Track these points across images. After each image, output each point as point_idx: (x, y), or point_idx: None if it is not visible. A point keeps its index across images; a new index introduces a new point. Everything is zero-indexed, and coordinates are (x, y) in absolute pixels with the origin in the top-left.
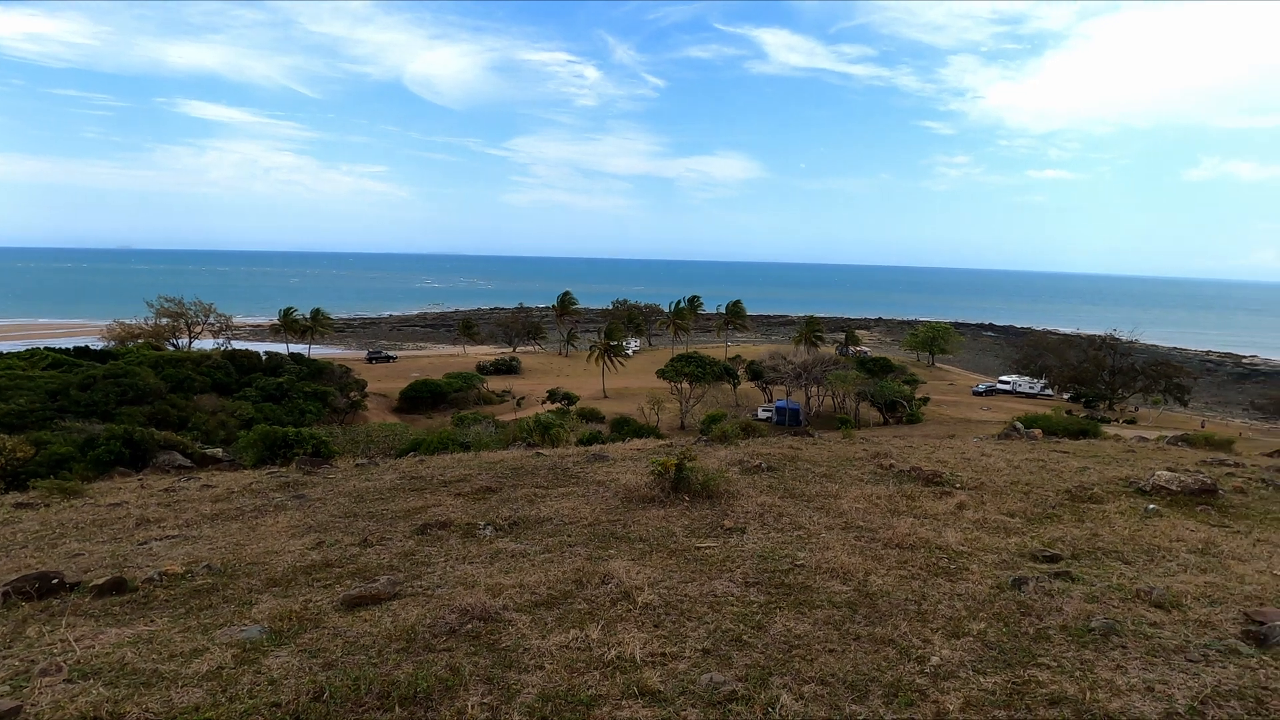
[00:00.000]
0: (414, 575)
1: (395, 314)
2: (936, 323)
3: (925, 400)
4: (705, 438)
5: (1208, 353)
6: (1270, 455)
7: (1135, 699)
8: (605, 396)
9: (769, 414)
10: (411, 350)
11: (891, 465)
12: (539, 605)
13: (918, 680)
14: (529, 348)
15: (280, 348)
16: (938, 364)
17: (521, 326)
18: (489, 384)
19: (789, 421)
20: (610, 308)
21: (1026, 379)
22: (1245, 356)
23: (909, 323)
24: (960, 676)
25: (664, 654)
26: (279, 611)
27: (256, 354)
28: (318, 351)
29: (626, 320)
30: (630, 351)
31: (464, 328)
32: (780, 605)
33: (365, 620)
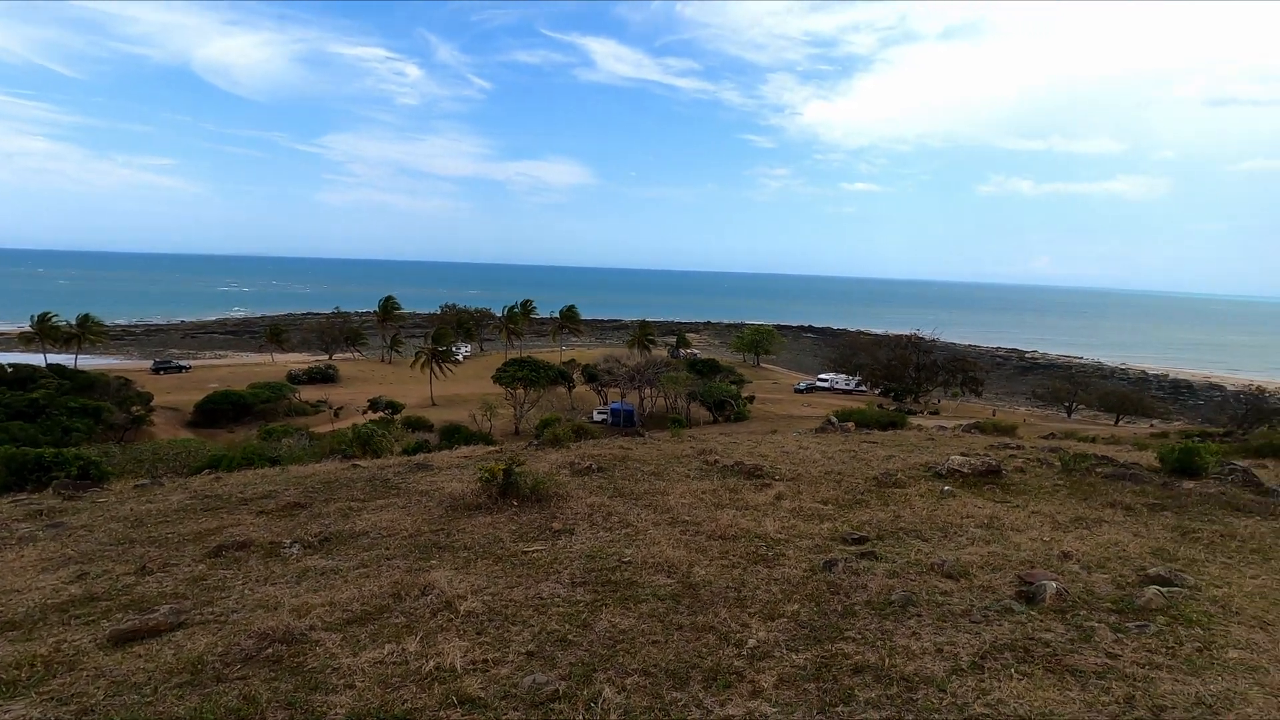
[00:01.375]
0: (205, 602)
1: (189, 320)
2: (761, 325)
3: (751, 399)
4: (536, 442)
5: (997, 349)
6: (1046, 438)
7: (927, 660)
8: (434, 404)
9: (604, 416)
10: (209, 359)
11: (716, 461)
12: (351, 622)
13: (735, 662)
14: (348, 355)
15: (35, 358)
16: (763, 364)
17: (339, 332)
18: (302, 394)
19: (624, 423)
20: (439, 312)
21: (843, 376)
22: (1028, 352)
23: (736, 326)
24: (775, 655)
25: (486, 660)
26: (16, 659)
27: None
28: (88, 362)
29: (456, 325)
30: (461, 357)
31: (272, 334)
32: (606, 602)
33: (139, 656)
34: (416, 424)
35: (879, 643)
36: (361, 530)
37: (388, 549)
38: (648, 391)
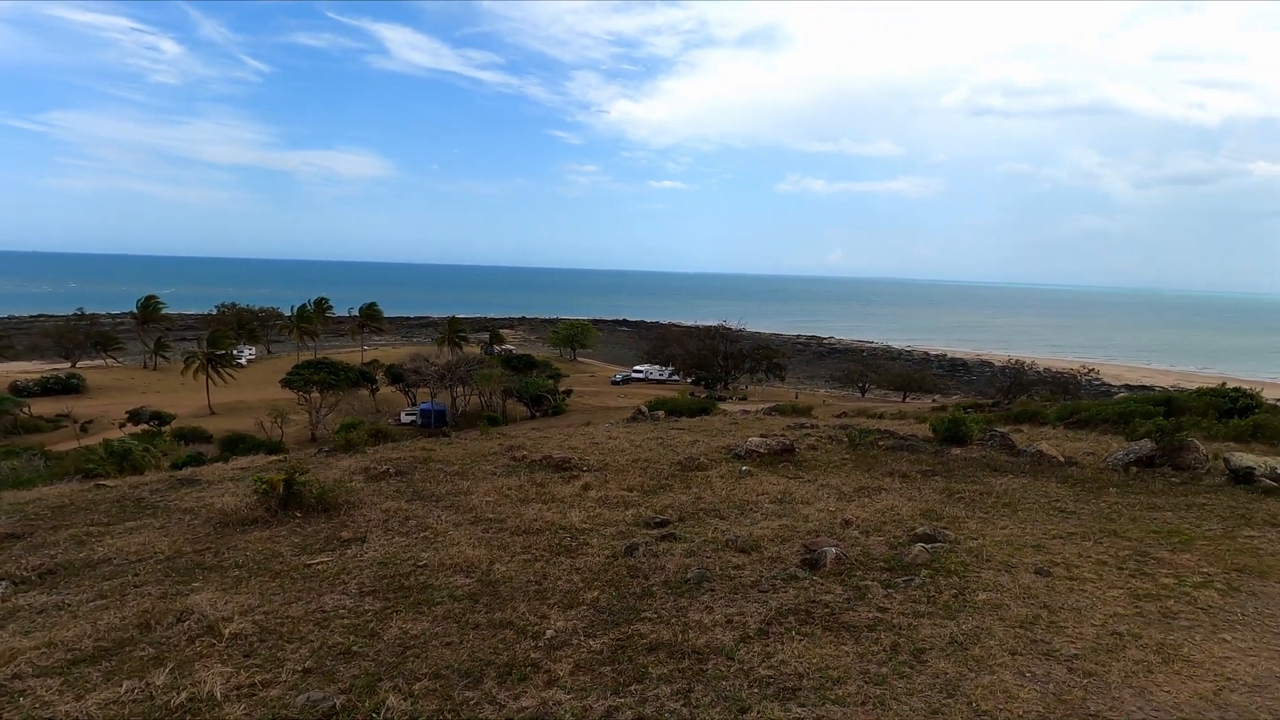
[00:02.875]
0: None
1: None
2: (576, 320)
3: (569, 393)
4: (328, 448)
5: (798, 336)
6: (839, 416)
7: (718, 632)
8: (212, 413)
9: (413, 417)
10: None
11: (525, 457)
12: (79, 662)
13: (532, 654)
14: (97, 362)
15: None
16: (579, 358)
17: (84, 337)
18: (33, 407)
19: (435, 423)
20: (215, 312)
21: (657, 367)
22: (826, 338)
23: (551, 321)
24: (572, 644)
25: (254, 684)
26: None
27: None
28: None
29: (237, 326)
30: (243, 361)
31: None
32: (398, 609)
33: None
34: (191, 436)
35: (674, 620)
36: (102, 558)
37: (137, 575)
38: (461, 390)
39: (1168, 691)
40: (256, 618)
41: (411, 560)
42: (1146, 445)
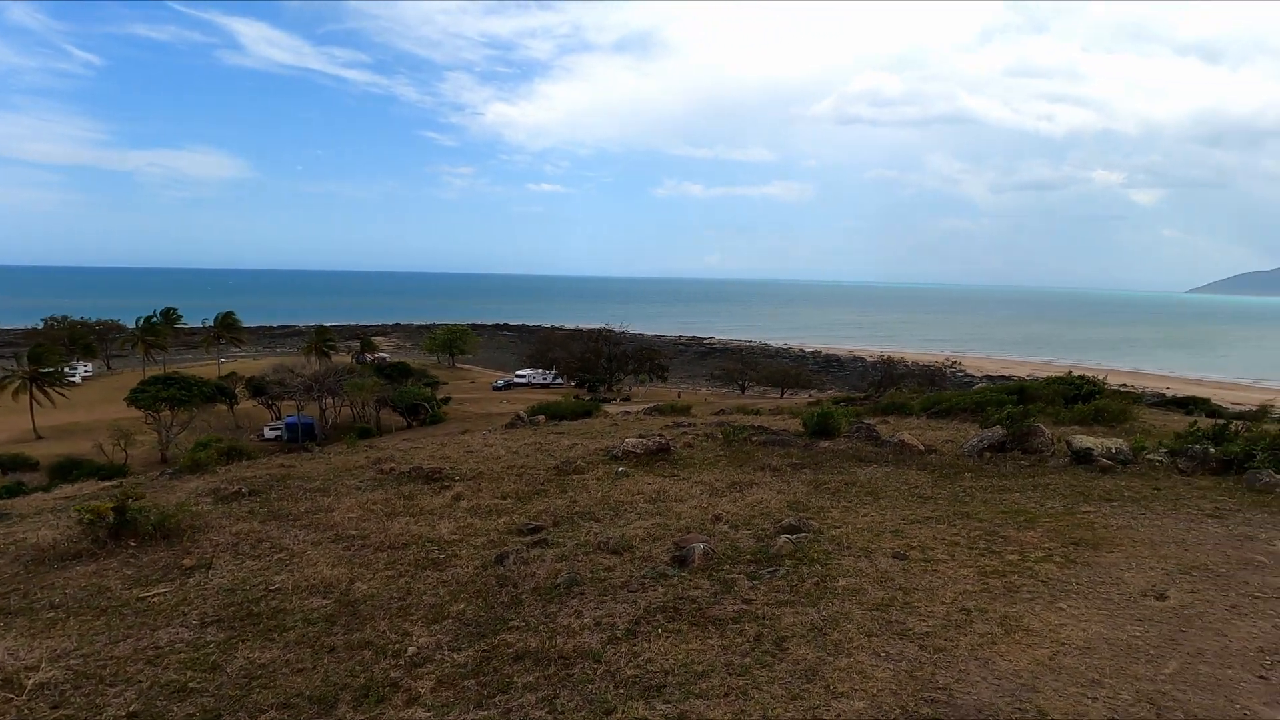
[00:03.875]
0: None
1: None
2: (454, 325)
3: (447, 400)
4: (173, 469)
5: (680, 337)
6: (717, 414)
7: (586, 635)
8: (39, 437)
9: (278, 432)
10: None
11: (393, 468)
12: None
13: (392, 674)
14: None
15: None
16: (458, 364)
17: None
18: None
19: (302, 438)
20: (41, 326)
21: (540, 371)
22: (706, 338)
23: (427, 326)
24: (436, 659)
25: None
26: None
27: None
28: None
29: (69, 340)
30: (78, 378)
31: None
32: (245, 638)
33: None
34: (10, 464)
35: (542, 627)
36: None
37: None
38: (330, 402)
39: (1009, 660)
40: (72, 662)
41: (263, 584)
42: (999, 432)
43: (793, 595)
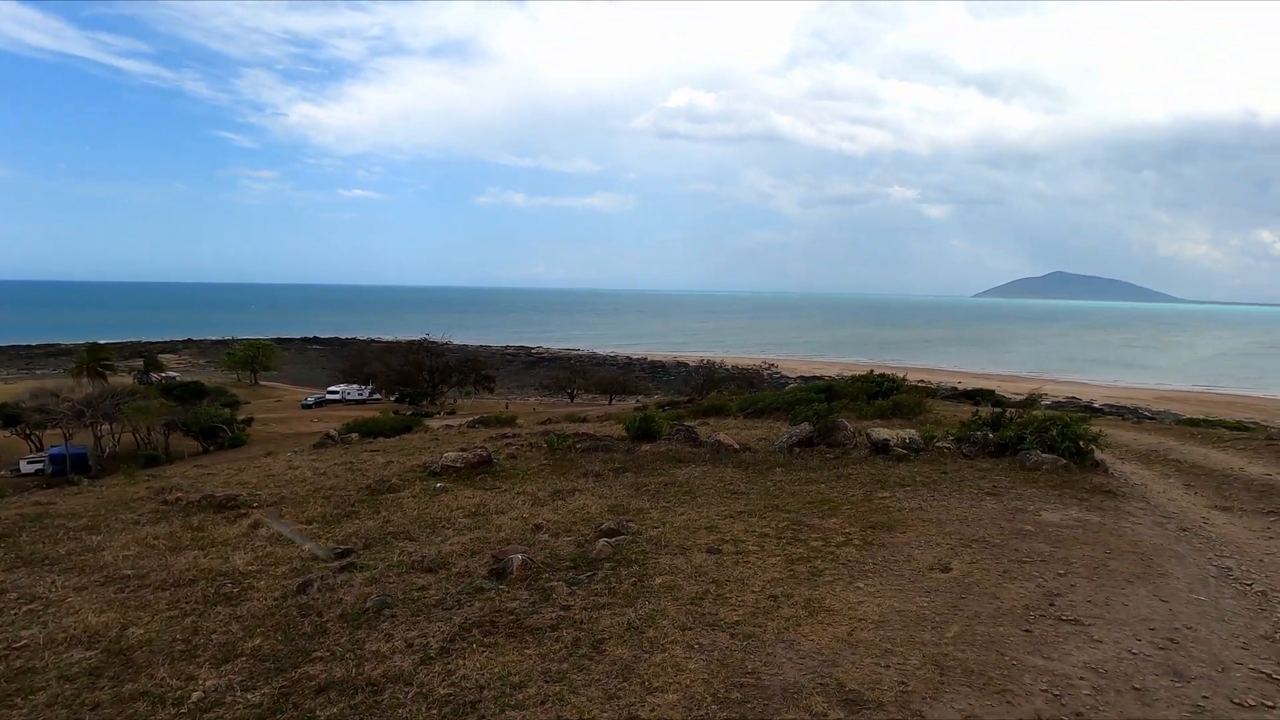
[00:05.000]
0: None
1: None
2: (257, 340)
3: (250, 421)
4: None
5: (507, 347)
6: (543, 423)
7: (397, 659)
8: None
9: (40, 465)
10: None
11: (180, 498)
12: None
13: None
14: None
15: None
16: (262, 382)
17: None
18: None
19: (73, 470)
20: None
21: (355, 386)
22: (534, 347)
23: (225, 342)
24: (226, 702)
25: None
26: None
27: None
28: None
29: None
30: None
31: None
32: None
33: None
34: None
35: (349, 655)
36: None
37: None
38: (108, 428)
39: (812, 640)
40: None
41: (5, 643)
42: (806, 428)
43: (610, 597)
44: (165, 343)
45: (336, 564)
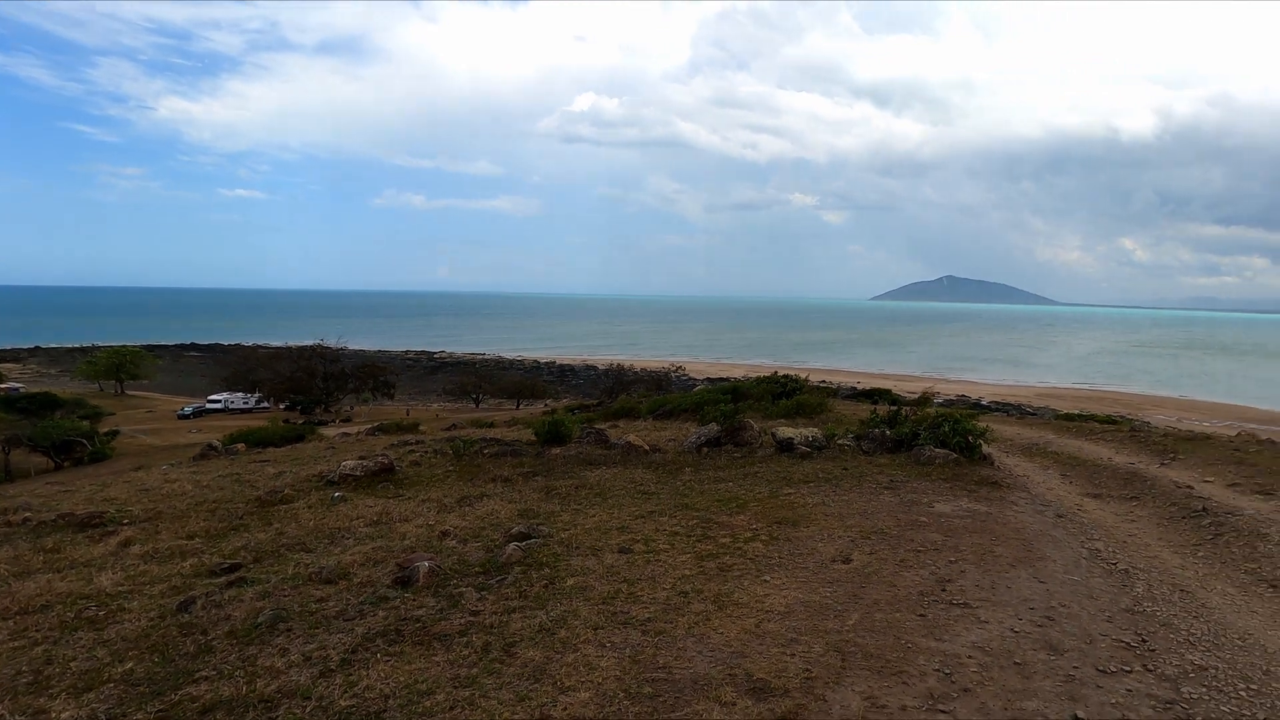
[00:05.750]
0: None
1: None
2: (123, 347)
3: (116, 434)
4: None
5: (407, 351)
6: (448, 429)
7: (294, 673)
8: None
9: None
10: None
11: (28, 518)
12: None
13: None
14: None
15: None
16: (131, 392)
17: None
18: None
19: None
20: None
21: (240, 395)
22: (436, 352)
23: (84, 349)
24: None
25: None
26: None
27: None
28: None
29: None
30: None
31: None
32: None
33: None
34: None
35: (239, 672)
36: None
37: None
38: None
39: (722, 633)
40: None
41: None
42: (714, 428)
43: (522, 600)
44: (7, 350)
45: (223, 579)
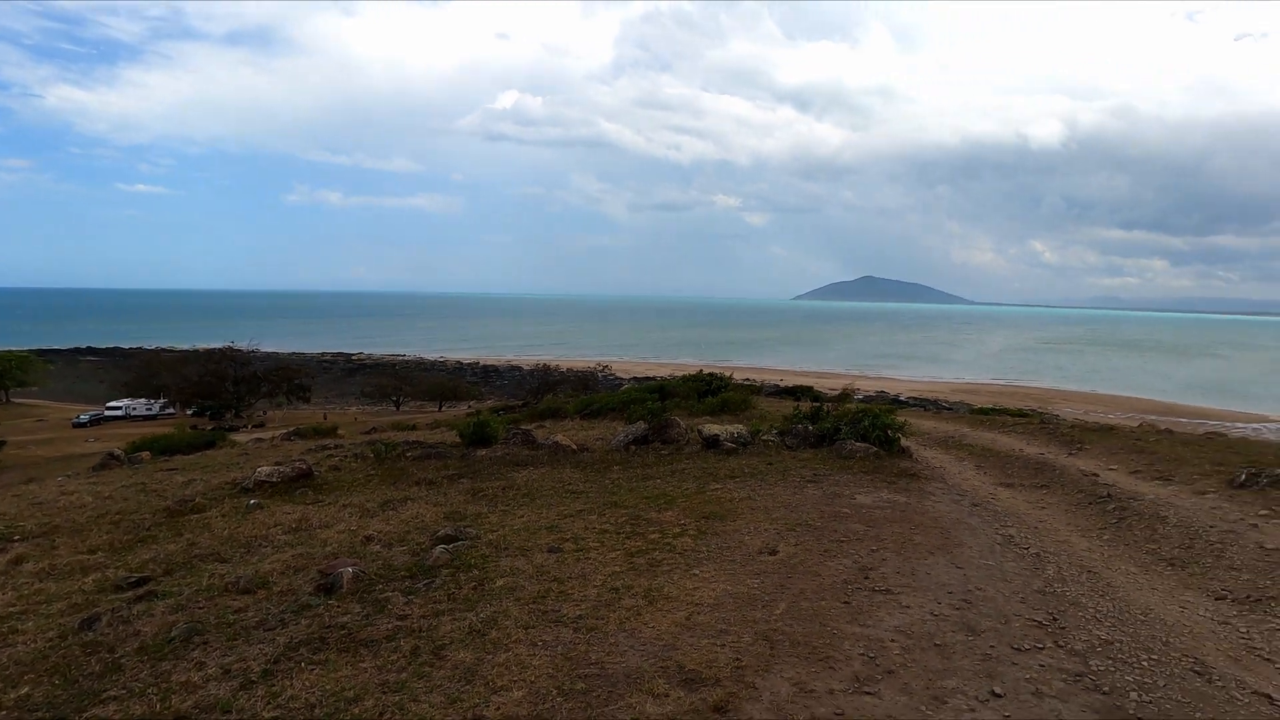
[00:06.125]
0: None
1: None
2: (9, 351)
3: (0, 444)
4: None
5: (324, 354)
6: (368, 432)
7: (212, 687)
8: None
9: None
10: None
11: None
12: None
13: None
14: None
15: None
16: (17, 399)
17: None
18: None
19: None
20: None
21: (143, 401)
22: (354, 354)
23: None
24: None
25: None
26: None
27: None
28: None
29: None
30: None
31: None
32: None
33: None
34: None
35: (151, 689)
36: None
37: None
38: None
39: (653, 627)
40: None
41: None
42: (641, 426)
43: (451, 603)
44: None
45: (130, 594)
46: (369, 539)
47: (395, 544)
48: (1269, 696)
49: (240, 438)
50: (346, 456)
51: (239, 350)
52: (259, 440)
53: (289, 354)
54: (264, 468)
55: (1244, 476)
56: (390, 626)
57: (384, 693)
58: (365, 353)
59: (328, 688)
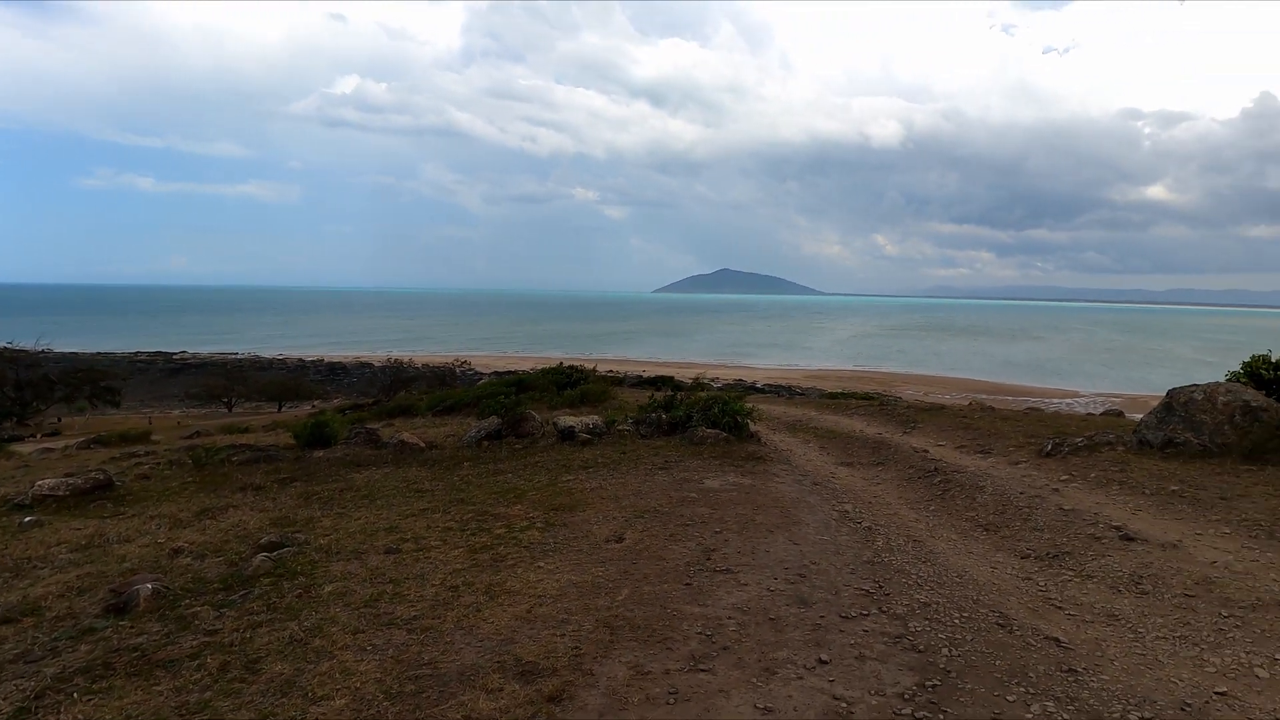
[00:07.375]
0: None
1: None
2: None
3: None
4: None
5: (137, 353)
6: (189, 437)
7: None
8: None
9: None
10: None
11: None
12: None
13: None
14: None
15: None
16: None
17: None
18: None
19: None
20: None
21: None
22: (175, 353)
23: None
24: None
25: None
26: None
27: None
28: None
29: None
30: None
31: None
32: None
33: None
34: None
35: None
36: None
37: None
38: None
39: (492, 622)
40: None
41: None
42: (495, 421)
43: (270, 613)
44: None
45: None
46: (178, 551)
47: (210, 555)
48: (1057, 640)
49: (23, 449)
50: (160, 464)
51: (24, 351)
52: (47, 451)
53: (93, 354)
54: (48, 480)
55: (1050, 446)
56: (195, 643)
57: (181, 715)
58: (189, 351)
59: (112, 714)
